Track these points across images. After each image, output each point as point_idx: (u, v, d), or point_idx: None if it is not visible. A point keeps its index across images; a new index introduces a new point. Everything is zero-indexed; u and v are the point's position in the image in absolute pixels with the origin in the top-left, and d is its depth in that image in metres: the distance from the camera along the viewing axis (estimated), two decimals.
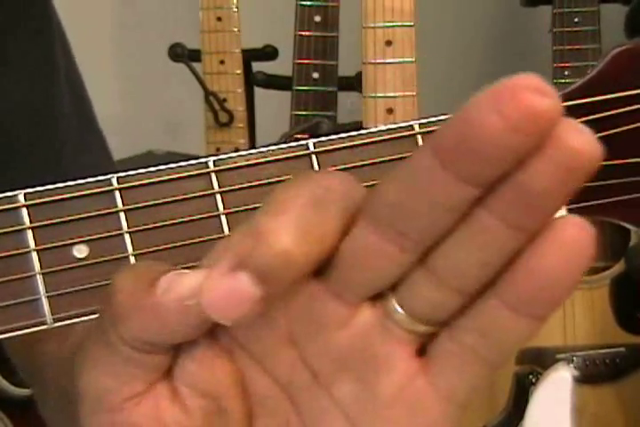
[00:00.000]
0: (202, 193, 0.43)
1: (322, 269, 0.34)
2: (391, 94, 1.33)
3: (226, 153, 0.43)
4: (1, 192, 0.42)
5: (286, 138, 1.46)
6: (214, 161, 0.43)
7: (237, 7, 1.80)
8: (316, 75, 1.65)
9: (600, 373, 1.71)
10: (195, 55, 1.82)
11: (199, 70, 1.82)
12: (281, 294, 0.33)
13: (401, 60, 1.32)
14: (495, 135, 0.28)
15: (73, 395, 0.38)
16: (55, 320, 0.42)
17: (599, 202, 0.42)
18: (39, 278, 0.42)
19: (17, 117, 0.68)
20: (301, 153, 0.43)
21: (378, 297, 0.34)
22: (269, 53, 1.87)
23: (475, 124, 0.29)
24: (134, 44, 2.31)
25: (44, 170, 0.69)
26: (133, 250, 0.42)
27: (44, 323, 0.42)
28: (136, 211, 0.42)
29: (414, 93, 1.32)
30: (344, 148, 0.43)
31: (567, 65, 1.72)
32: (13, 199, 0.42)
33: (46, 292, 0.42)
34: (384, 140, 0.43)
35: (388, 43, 1.32)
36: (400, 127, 0.43)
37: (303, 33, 1.63)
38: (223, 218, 0.43)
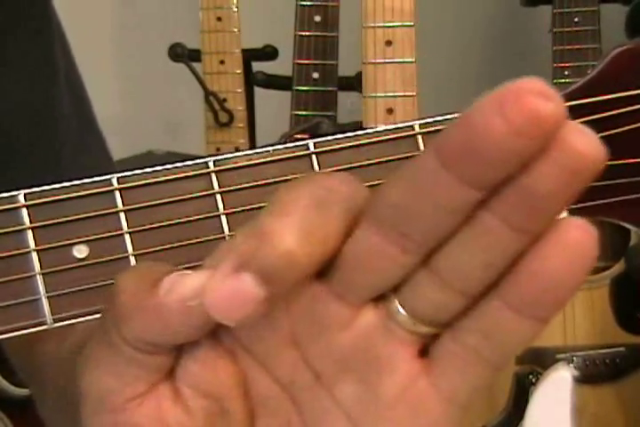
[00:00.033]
0: (202, 193, 0.43)
1: (324, 271, 0.34)
2: (391, 94, 1.33)
3: (226, 153, 0.43)
4: (1, 192, 0.42)
5: (286, 138, 1.46)
6: (214, 161, 0.42)
7: (237, 7, 1.81)
8: (315, 75, 1.65)
9: (600, 373, 1.71)
10: (195, 55, 1.82)
11: (199, 70, 1.82)
12: (283, 295, 0.33)
13: (401, 60, 1.32)
14: (499, 139, 0.28)
15: (72, 395, 0.38)
16: (55, 320, 0.42)
17: (599, 202, 0.42)
18: (39, 279, 0.42)
19: (16, 118, 0.68)
20: (301, 153, 0.43)
21: (380, 298, 0.34)
22: (269, 53, 1.87)
23: (478, 128, 0.29)
24: (134, 45, 2.31)
25: (44, 170, 0.69)
26: (133, 250, 0.42)
27: (44, 323, 0.42)
28: (136, 211, 0.42)
29: (414, 93, 1.32)
30: (344, 148, 0.43)
31: (567, 65, 1.72)
32: (13, 199, 0.42)
33: (46, 292, 0.42)
34: (384, 140, 0.43)
35: (388, 43, 1.32)
36: (400, 127, 0.43)
37: (303, 33, 1.63)
38: (223, 218, 0.43)
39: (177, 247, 0.43)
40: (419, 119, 0.43)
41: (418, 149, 0.43)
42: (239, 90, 1.83)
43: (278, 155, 0.43)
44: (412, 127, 0.43)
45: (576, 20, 1.73)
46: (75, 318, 0.42)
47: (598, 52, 1.71)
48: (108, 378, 0.36)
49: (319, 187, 0.33)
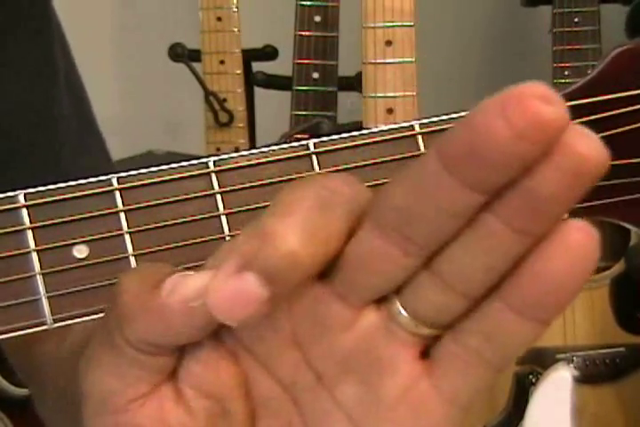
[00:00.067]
0: (202, 193, 0.43)
1: (327, 272, 0.34)
2: (391, 94, 1.33)
3: (226, 153, 0.43)
4: (1, 192, 0.42)
5: (286, 138, 1.46)
6: (214, 161, 0.42)
7: (237, 7, 1.81)
8: (316, 75, 1.65)
9: (600, 373, 1.71)
10: (195, 55, 1.82)
11: (199, 70, 1.82)
12: (286, 296, 0.33)
13: (401, 60, 1.32)
14: (501, 142, 0.28)
15: (72, 395, 0.38)
16: (55, 321, 0.42)
17: (599, 202, 0.42)
18: (39, 279, 0.42)
19: (16, 118, 0.68)
20: (302, 153, 0.43)
21: (382, 300, 0.34)
22: (269, 53, 1.87)
23: (481, 131, 0.29)
24: (134, 45, 2.31)
25: (44, 171, 0.69)
26: (134, 250, 0.42)
27: (44, 323, 0.42)
28: (136, 211, 0.42)
29: (414, 93, 1.32)
30: (344, 148, 0.43)
31: (567, 65, 1.72)
32: (13, 199, 0.42)
33: (46, 292, 0.42)
34: (384, 140, 0.43)
35: (388, 43, 1.32)
36: (401, 127, 0.43)
37: (303, 33, 1.63)
38: (223, 218, 0.43)
39: (177, 247, 0.43)
40: (419, 119, 0.43)
41: (418, 149, 0.43)
42: (239, 90, 1.83)
43: (278, 155, 0.43)
44: (412, 127, 0.43)
45: (576, 20, 1.73)
46: (75, 318, 0.42)
47: (598, 52, 1.71)
48: (110, 379, 0.36)
49: (322, 188, 0.33)
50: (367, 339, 0.34)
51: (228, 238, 0.43)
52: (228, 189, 0.43)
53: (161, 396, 0.36)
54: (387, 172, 0.43)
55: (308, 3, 1.62)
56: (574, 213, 0.31)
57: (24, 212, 0.42)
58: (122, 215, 0.42)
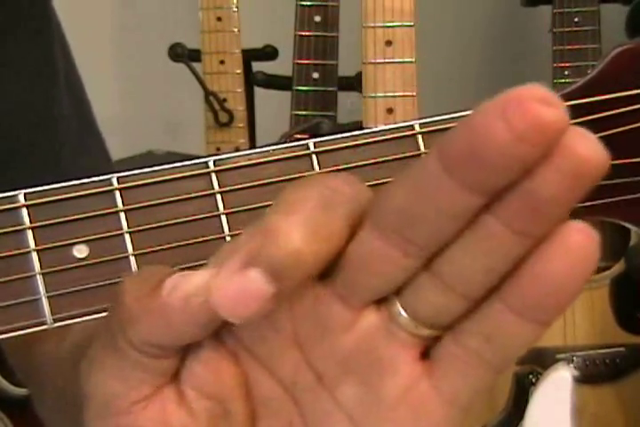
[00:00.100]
0: (202, 193, 0.43)
1: (327, 273, 0.34)
2: (391, 94, 1.33)
3: (226, 153, 0.43)
4: (1, 192, 0.42)
5: (286, 138, 1.46)
6: (214, 161, 0.42)
7: (237, 7, 1.81)
8: (316, 75, 1.65)
9: (600, 373, 1.71)
10: (195, 55, 1.82)
11: (199, 70, 1.82)
12: (289, 294, 0.33)
13: (401, 60, 1.32)
14: (501, 145, 0.29)
15: (72, 396, 0.38)
16: (55, 320, 0.42)
17: (599, 202, 0.42)
18: (39, 279, 0.42)
19: (16, 118, 0.68)
20: (302, 153, 0.43)
21: (382, 301, 0.34)
22: (269, 53, 1.87)
23: (481, 134, 0.29)
24: (134, 45, 2.31)
25: (44, 171, 0.69)
26: (133, 250, 0.42)
27: (44, 323, 0.42)
28: (136, 211, 0.42)
29: (414, 93, 1.32)
30: (344, 148, 0.43)
31: (567, 65, 1.72)
32: (13, 199, 0.42)
33: (46, 292, 0.42)
34: (384, 139, 0.43)
35: (388, 43, 1.32)
36: (401, 127, 0.43)
37: (303, 33, 1.63)
38: (223, 218, 0.43)
39: (177, 247, 0.43)
40: (419, 119, 0.43)
41: (418, 148, 0.43)
42: (239, 90, 1.83)
43: (278, 155, 0.43)
44: (411, 127, 0.43)
45: (576, 20, 1.73)
46: (75, 318, 0.42)
47: (598, 52, 1.71)
48: (113, 382, 0.36)
49: (324, 187, 0.33)
50: (367, 340, 0.34)
51: (228, 238, 0.43)
52: (227, 188, 0.43)
53: (163, 398, 0.36)
54: (387, 171, 0.43)
55: (308, 3, 1.62)
56: (575, 213, 0.31)
57: (24, 211, 0.42)
58: (122, 215, 0.42)
